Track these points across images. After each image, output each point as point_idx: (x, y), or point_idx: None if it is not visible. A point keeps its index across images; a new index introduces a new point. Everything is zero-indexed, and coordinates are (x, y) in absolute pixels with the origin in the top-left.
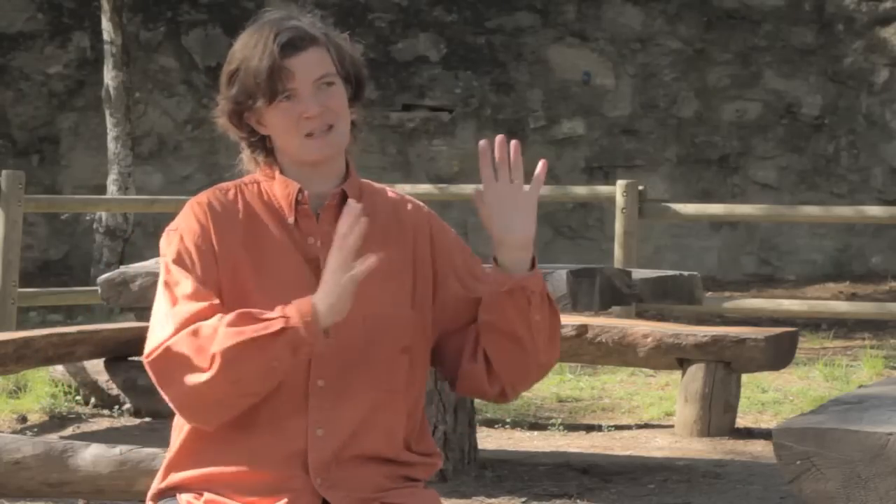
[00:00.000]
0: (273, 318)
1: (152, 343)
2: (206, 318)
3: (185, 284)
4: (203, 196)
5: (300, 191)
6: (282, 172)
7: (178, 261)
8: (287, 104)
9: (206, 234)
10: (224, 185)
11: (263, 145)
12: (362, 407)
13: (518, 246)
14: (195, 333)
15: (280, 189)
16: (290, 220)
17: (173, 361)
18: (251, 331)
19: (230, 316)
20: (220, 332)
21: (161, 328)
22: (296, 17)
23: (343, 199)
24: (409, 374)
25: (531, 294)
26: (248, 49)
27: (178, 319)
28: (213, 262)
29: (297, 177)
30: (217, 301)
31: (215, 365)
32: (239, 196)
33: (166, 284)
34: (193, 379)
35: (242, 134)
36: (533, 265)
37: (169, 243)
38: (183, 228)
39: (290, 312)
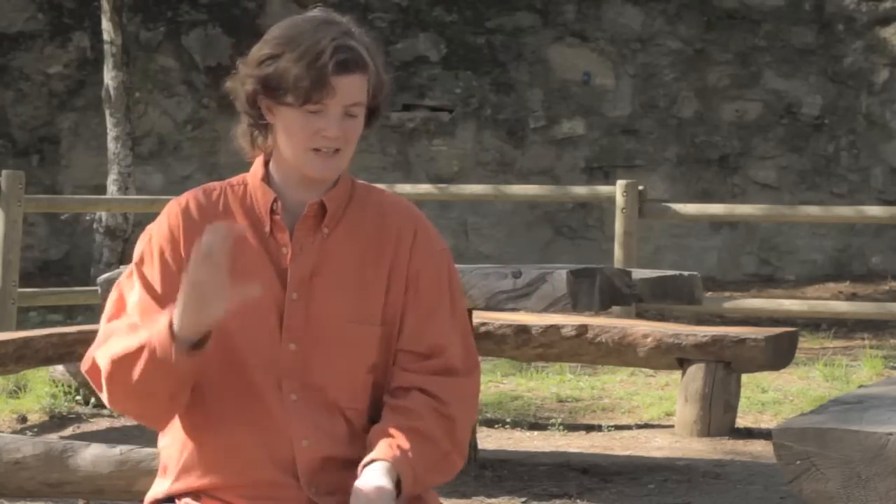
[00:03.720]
0: (137, 338)
1: (88, 352)
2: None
3: (134, 297)
4: (184, 197)
5: (275, 200)
6: (266, 175)
7: (140, 263)
8: (312, 115)
9: (174, 240)
10: (212, 185)
11: (265, 130)
12: (339, 420)
13: None
14: (106, 336)
15: (259, 196)
16: (267, 229)
17: (93, 379)
18: (120, 349)
19: (119, 325)
20: (101, 352)
21: (96, 341)
22: (352, 31)
23: (322, 209)
24: (373, 393)
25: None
26: (300, 45)
27: (106, 335)
28: (172, 272)
29: (283, 181)
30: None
31: (105, 383)
32: (222, 199)
33: (121, 290)
34: (104, 394)
35: (250, 112)
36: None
37: (140, 242)
38: (154, 231)
39: (154, 328)
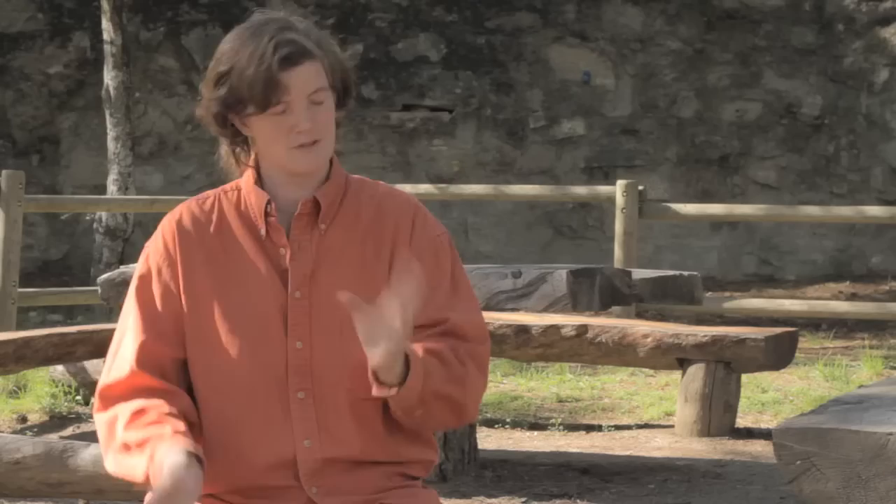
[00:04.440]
0: (137, 468)
1: (100, 382)
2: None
3: (134, 323)
4: (178, 210)
5: (269, 202)
6: (259, 178)
7: (140, 284)
8: (279, 116)
9: (170, 258)
10: (205, 193)
11: (246, 143)
12: (345, 415)
13: (382, 367)
14: (110, 430)
15: (253, 199)
16: (262, 231)
17: (98, 428)
18: (121, 470)
19: (118, 442)
20: (108, 455)
21: (105, 371)
22: (291, 24)
23: (315, 206)
24: None
25: (400, 406)
26: (243, 55)
27: (111, 378)
28: (171, 292)
29: (275, 182)
30: (144, 368)
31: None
32: (216, 206)
33: (124, 314)
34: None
35: (224, 132)
36: (406, 375)
37: (140, 258)
38: (151, 250)
39: (151, 468)
